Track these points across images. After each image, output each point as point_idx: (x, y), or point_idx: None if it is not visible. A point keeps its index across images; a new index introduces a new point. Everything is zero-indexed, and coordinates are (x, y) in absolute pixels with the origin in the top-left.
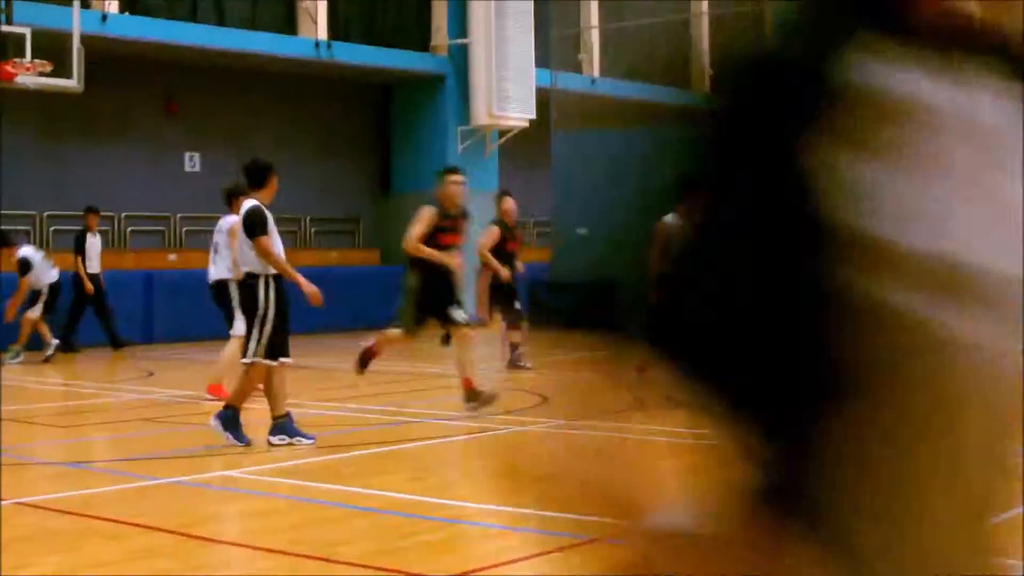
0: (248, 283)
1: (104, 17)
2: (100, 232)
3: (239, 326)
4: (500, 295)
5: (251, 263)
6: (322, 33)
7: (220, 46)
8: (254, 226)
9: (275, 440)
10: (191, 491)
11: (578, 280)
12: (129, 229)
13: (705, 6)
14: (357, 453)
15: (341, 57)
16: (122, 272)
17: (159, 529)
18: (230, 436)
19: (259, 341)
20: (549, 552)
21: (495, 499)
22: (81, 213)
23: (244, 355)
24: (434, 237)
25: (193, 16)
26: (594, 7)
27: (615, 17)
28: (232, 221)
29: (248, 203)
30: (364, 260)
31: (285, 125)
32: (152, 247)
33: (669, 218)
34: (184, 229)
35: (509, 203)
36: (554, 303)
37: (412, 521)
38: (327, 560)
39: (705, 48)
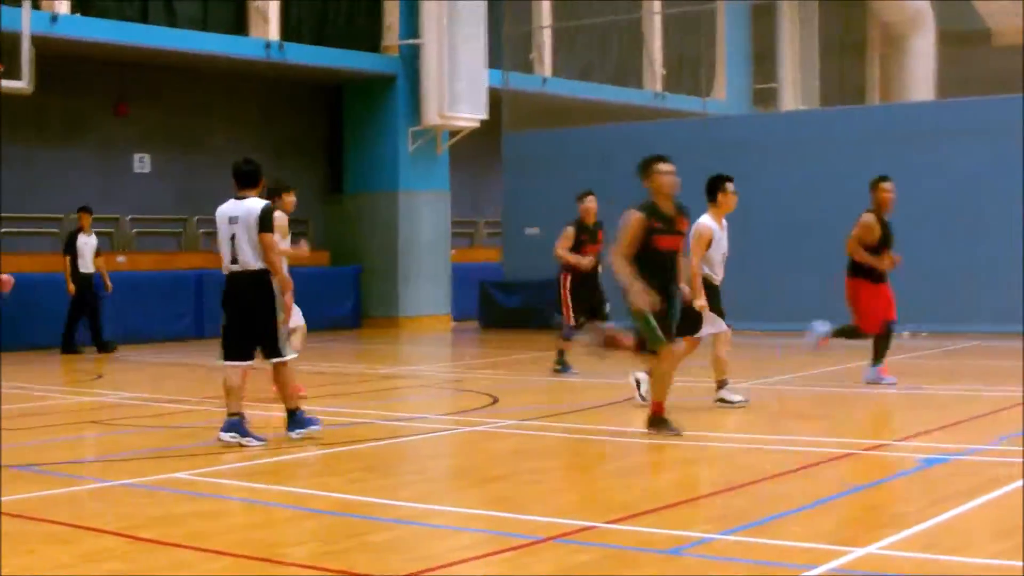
0: (267, 280)
1: (54, 18)
2: (47, 235)
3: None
4: (583, 298)
5: (262, 260)
6: (273, 33)
7: (171, 47)
8: (270, 222)
9: (226, 437)
10: (140, 493)
11: (530, 279)
12: None
13: (657, 6)
14: (306, 454)
15: (292, 57)
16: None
17: (109, 532)
18: (305, 429)
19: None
20: (499, 552)
21: (444, 499)
22: (32, 216)
23: (278, 355)
24: (651, 241)
25: (144, 17)
26: (546, 7)
27: (567, 16)
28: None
29: (257, 200)
30: (314, 261)
31: (236, 126)
32: (101, 249)
33: (704, 219)
34: (134, 230)
35: (588, 202)
36: (506, 303)
37: (360, 522)
38: (275, 561)
39: (657, 48)
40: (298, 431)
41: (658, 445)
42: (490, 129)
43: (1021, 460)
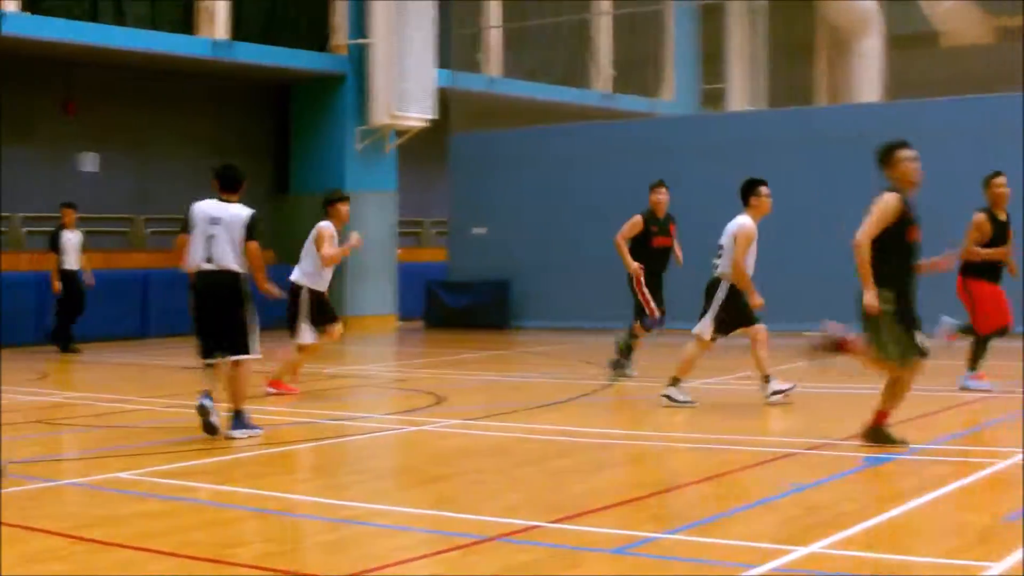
0: (241, 280)
1: (1, 16)
2: None
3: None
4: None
5: (242, 264)
6: (222, 32)
7: (119, 45)
8: (255, 229)
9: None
10: (85, 493)
11: (476, 279)
12: (25, 230)
13: (606, 6)
14: (251, 454)
15: (240, 56)
16: (18, 273)
17: (53, 532)
18: (248, 431)
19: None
20: (444, 552)
21: (389, 498)
22: None
23: (239, 352)
24: (904, 232)
25: (93, 15)
26: (494, 7)
27: (515, 17)
28: (323, 226)
29: (244, 207)
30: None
31: (185, 125)
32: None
33: (745, 218)
34: (82, 230)
35: (660, 194)
36: (451, 302)
37: (306, 522)
38: (221, 562)
39: (606, 48)
40: (241, 432)
41: (604, 444)
42: (438, 129)
43: (965, 460)
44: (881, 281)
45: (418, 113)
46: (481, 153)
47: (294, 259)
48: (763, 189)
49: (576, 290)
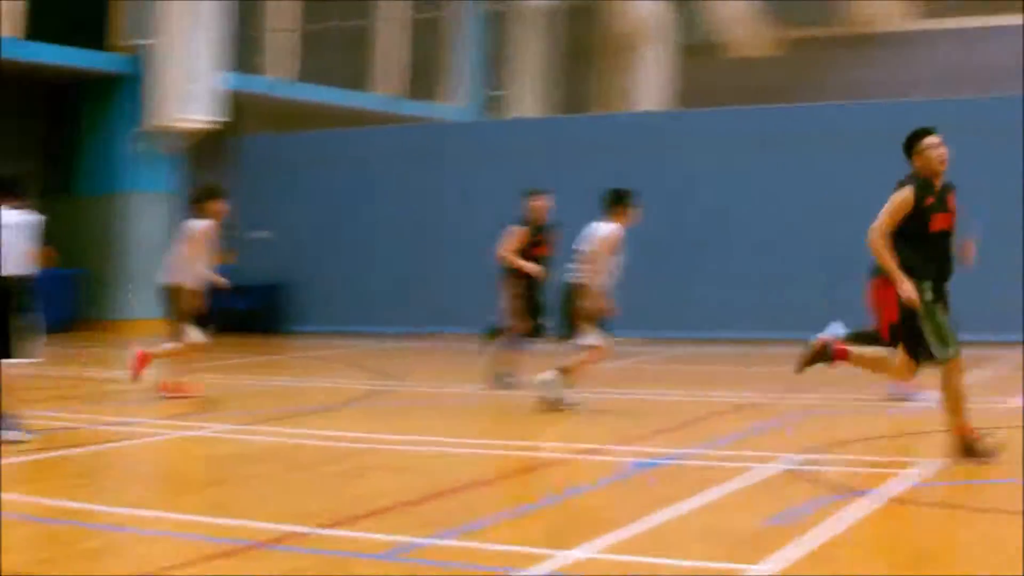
0: (28, 285)
1: None
2: None
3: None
4: (524, 306)
5: (27, 269)
6: (3, 30)
7: None
8: (39, 234)
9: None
10: None
11: (258, 283)
12: None
13: (392, 9)
14: (19, 459)
15: (21, 55)
16: None
17: None
18: (14, 434)
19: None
20: (214, 558)
21: (160, 504)
22: None
23: (25, 355)
24: (926, 222)
25: None
26: (282, 9)
27: (305, 19)
28: (204, 226)
29: (29, 212)
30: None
31: None
32: None
33: (613, 225)
34: None
35: (539, 201)
36: (233, 306)
37: (74, 528)
38: None
39: (394, 53)
40: (8, 433)
41: (376, 449)
42: (223, 132)
43: (731, 464)
44: (912, 274)
45: (202, 115)
46: (267, 156)
47: (76, 262)
48: (633, 199)
49: (359, 294)
